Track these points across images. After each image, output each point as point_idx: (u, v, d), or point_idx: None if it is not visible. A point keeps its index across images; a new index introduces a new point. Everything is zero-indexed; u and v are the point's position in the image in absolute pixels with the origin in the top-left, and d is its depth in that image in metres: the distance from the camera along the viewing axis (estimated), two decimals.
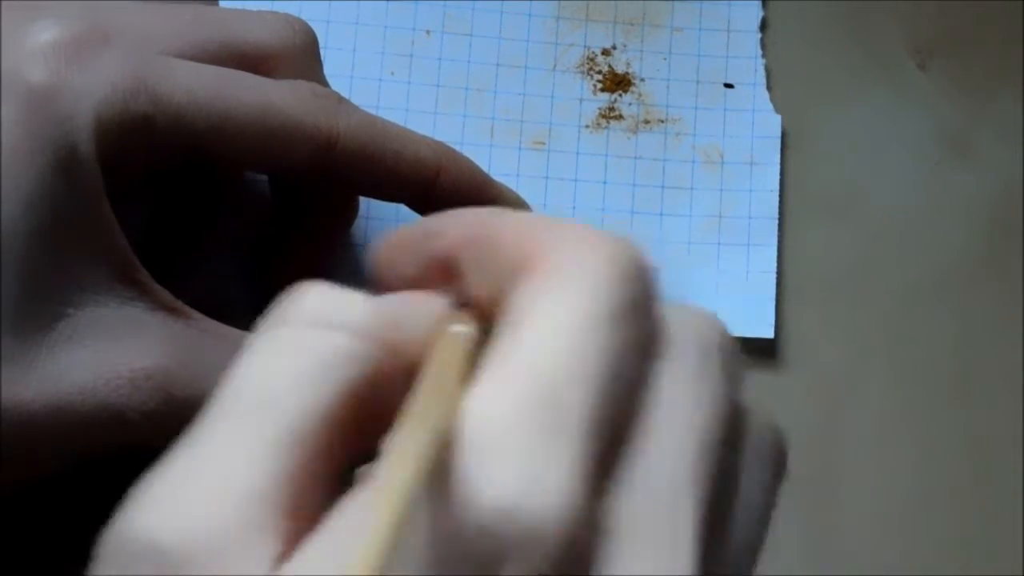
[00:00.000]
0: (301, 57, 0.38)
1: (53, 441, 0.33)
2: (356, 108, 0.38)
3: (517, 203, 0.40)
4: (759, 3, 0.45)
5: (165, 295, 0.35)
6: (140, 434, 0.34)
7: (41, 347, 0.33)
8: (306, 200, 0.40)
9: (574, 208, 0.43)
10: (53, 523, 0.38)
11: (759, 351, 0.41)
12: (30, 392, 0.32)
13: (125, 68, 0.34)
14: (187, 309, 0.36)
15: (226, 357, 0.35)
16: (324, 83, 0.39)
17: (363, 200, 0.41)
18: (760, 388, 0.41)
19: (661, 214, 0.43)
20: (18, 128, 0.32)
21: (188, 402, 0.34)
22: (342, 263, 0.41)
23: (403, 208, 0.40)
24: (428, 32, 0.44)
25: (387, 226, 0.42)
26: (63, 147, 0.33)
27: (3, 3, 0.35)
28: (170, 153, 0.35)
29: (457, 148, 0.39)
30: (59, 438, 0.33)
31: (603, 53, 0.44)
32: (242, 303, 0.40)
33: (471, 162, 0.39)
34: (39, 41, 0.34)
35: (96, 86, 0.34)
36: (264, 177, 0.41)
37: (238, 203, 0.41)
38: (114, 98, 0.34)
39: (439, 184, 0.38)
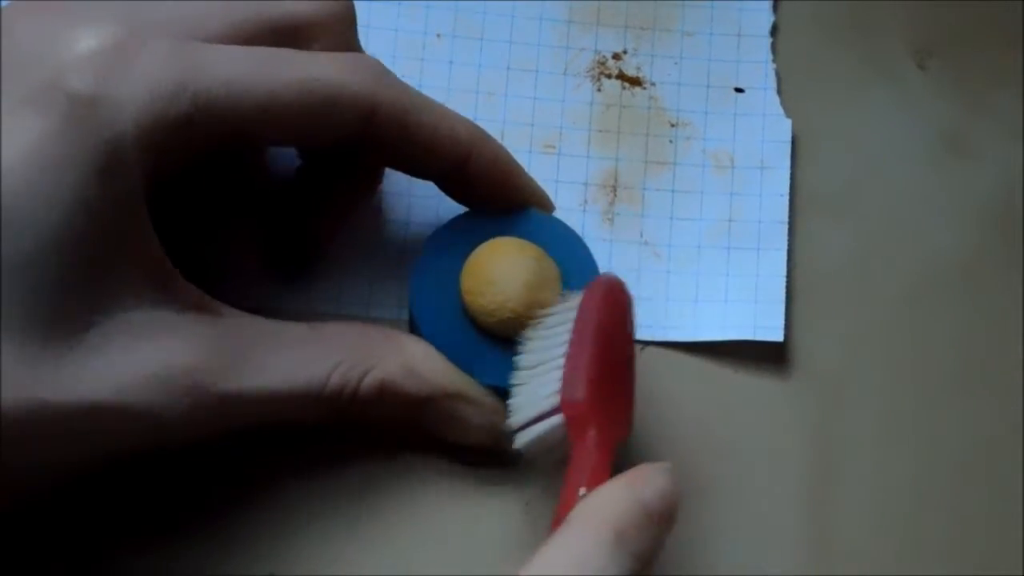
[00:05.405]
0: (340, 25, 0.38)
1: (89, 441, 0.34)
2: (396, 78, 0.38)
3: (540, 196, 0.41)
4: (770, 7, 0.45)
5: (195, 293, 0.35)
6: (174, 432, 0.34)
7: (75, 350, 0.33)
8: (333, 172, 0.40)
9: (584, 211, 0.43)
10: (86, 523, 0.38)
11: (768, 355, 0.42)
12: (63, 394, 0.32)
13: (164, 71, 0.34)
14: (216, 305, 0.36)
15: (256, 348, 0.35)
16: (362, 52, 0.39)
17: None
18: (769, 391, 0.41)
19: (671, 218, 0.43)
20: (60, 138, 0.32)
21: (222, 398, 0.34)
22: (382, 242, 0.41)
23: (416, 189, 0.40)
24: (439, 35, 0.44)
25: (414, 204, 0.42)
26: (104, 156, 0.33)
27: (38, 4, 0.34)
28: (209, 145, 0.35)
29: None
30: (93, 438, 0.33)
31: (614, 57, 0.44)
32: (268, 281, 0.40)
33: (504, 148, 0.40)
34: (79, 50, 0.33)
35: (136, 92, 0.33)
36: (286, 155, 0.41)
37: (258, 185, 0.41)
38: (154, 105, 0.33)
39: (471, 163, 0.38)
